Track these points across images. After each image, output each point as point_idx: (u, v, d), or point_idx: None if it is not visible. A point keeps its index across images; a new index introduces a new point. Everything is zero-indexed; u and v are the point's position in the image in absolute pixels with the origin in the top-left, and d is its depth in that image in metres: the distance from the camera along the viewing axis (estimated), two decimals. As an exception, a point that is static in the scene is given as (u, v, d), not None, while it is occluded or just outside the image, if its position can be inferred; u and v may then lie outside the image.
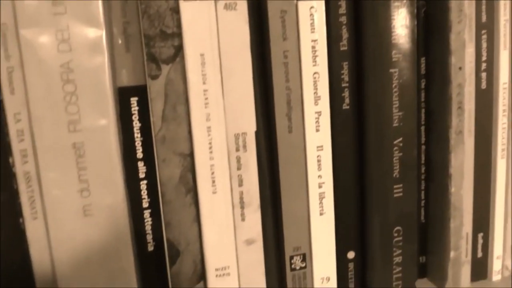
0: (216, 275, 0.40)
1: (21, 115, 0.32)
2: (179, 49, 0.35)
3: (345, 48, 0.38)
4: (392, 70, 0.38)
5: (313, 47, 0.37)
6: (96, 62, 0.31)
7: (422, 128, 0.43)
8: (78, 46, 0.31)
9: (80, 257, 0.33)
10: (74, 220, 0.32)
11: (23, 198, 0.33)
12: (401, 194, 0.40)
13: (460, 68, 0.40)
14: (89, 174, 0.32)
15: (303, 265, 0.41)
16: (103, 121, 0.31)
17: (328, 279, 0.42)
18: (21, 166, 0.32)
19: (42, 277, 0.34)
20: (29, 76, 0.30)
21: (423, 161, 0.44)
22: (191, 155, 0.38)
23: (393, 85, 0.38)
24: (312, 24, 0.37)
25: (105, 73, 0.31)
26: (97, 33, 0.31)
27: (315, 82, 0.38)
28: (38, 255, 0.34)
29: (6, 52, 0.31)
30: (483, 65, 0.40)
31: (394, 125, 0.39)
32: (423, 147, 0.43)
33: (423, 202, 0.45)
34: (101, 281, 0.33)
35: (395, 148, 0.39)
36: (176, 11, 0.35)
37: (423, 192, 0.44)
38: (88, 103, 0.31)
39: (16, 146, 0.32)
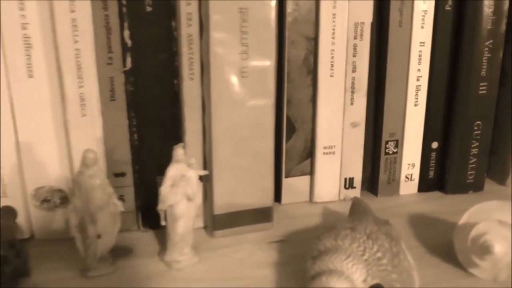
0: (324, 153, 0.44)
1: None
2: None
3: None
4: (491, -23, 0.43)
5: None
6: None
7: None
8: None
9: (233, 116, 0.37)
10: (233, 79, 0.36)
11: (183, 59, 0.36)
12: (485, 91, 0.46)
13: (545, -18, 0.45)
14: (249, 38, 0.36)
15: (395, 150, 0.46)
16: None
17: (413, 165, 0.48)
18: (185, 29, 0.36)
19: (193, 132, 0.38)
20: None
21: (497, 69, 0.49)
22: (315, 39, 0.42)
23: (492, -9, 0.43)
24: None
25: None
26: None
27: (426, -18, 0.42)
28: (192, 113, 0.38)
29: None
30: None
31: (488, 27, 0.44)
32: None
33: (492, 106, 0.50)
34: (247, 137, 0.38)
35: (486, 48, 0.45)
36: None
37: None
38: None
39: (184, 9, 0.35)
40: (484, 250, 0.33)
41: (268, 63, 0.36)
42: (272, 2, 0.35)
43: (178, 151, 0.33)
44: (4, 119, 0.35)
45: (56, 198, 0.38)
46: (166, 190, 0.33)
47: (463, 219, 0.36)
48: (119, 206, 0.34)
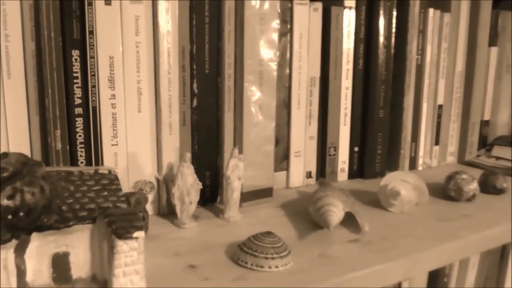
0: (294, 155, 0.72)
1: (231, 59, 0.62)
2: (287, 33, 0.68)
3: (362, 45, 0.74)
4: (380, 49, 0.75)
5: (349, 33, 0.73)
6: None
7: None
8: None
9: (255, 132, 0.63)
10: (255, 111, 0.63)
11: (225, 100, 0.62)
12: (382, 115, 0.78)
13: (410, 52, 0.79)
14: (264, 87, 0.63)
15: (334, 153, 0.76)
16: (274, 62, 0.63)
17: (345, 162, 0.77)
18: (227, 82, 0.62)
19: (228, 143, 0.64)
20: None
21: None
22: (289, 87, 0.70)
23: (382, 58, 0.76)
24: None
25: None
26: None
27: (347, 53, 0.74)
28: (228, 132, 0.63)
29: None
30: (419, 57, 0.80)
31: (382, 78, 0.76)
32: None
33: (385, 125, 0.82)
34: (262, 144, 0.64)
35: (382, 90, 0.77)
36: None
37: (385, 120, 0.82)
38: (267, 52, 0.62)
39: (227, 72, 0.62)
40: (396, 194, 0.63)
41: (273, 102, 0.64)
42: (274, 67, 0.63)
43: (235, 151, 0.58)
44: (121, 139, 0.58)
45: (147, 188, 0.61)
46: (229, 173, 0.58)
47: (382, 183, 0.66)
48: (200, 185, 0.58)
